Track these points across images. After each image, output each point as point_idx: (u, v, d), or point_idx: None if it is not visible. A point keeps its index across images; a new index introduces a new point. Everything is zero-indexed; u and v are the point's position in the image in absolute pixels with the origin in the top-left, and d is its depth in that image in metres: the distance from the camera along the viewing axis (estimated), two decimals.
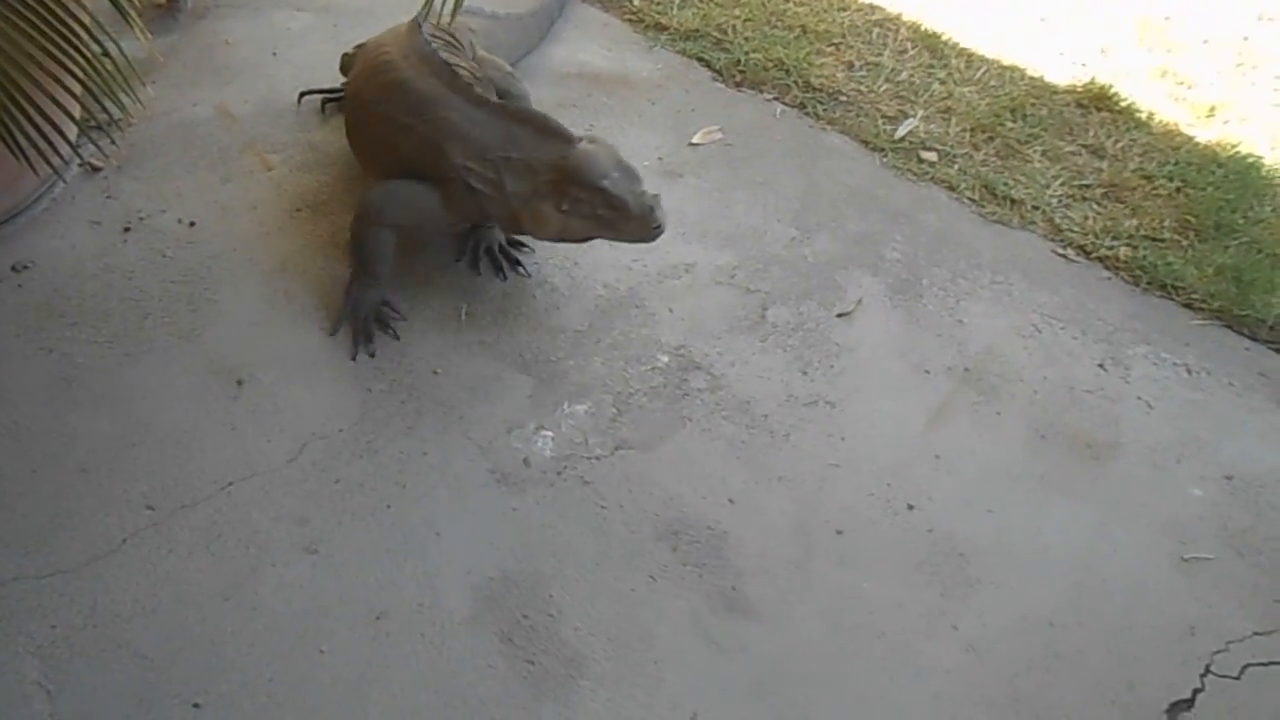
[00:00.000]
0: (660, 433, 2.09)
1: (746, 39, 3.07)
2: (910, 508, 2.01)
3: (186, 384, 2.08)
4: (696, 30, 3.11)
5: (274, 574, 1.81)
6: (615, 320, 2.28)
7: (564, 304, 2.30)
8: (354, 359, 2.14)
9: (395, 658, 1.72)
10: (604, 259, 2.40)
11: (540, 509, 1.95)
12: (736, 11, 3.18)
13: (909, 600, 1.88)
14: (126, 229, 2.36)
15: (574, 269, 2.36)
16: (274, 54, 2.90)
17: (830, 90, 2.97)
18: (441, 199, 2.15)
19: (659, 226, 2.06)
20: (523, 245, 2.39)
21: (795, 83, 2.97)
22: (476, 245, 2.37)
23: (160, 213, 2.40)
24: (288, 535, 1.86)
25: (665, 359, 2.23)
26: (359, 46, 2.57)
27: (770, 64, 3.01)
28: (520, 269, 2.37)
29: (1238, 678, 1.80)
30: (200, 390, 2.07)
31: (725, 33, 3.09)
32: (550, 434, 2.07)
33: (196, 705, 1.63)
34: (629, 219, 2.04)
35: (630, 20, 3.15)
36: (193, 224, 2.39)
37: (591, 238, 2.14)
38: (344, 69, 2.66)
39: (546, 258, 2.40)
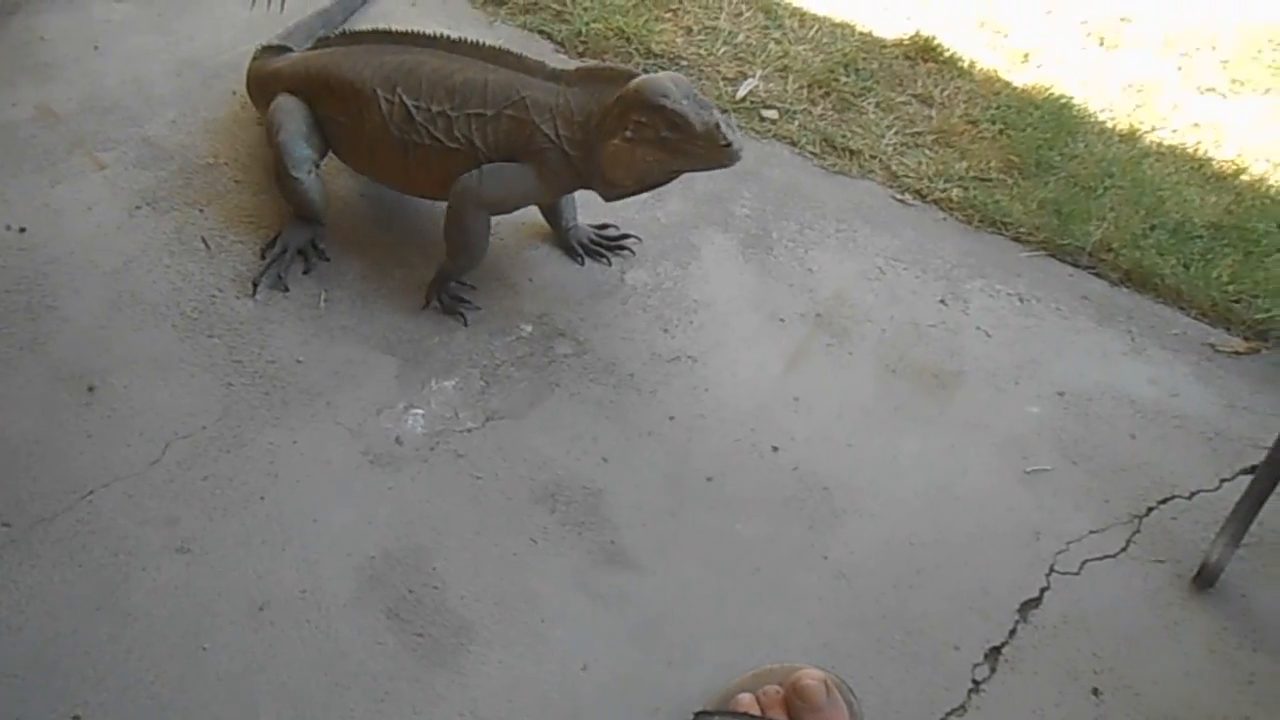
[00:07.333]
0: (530, 400, 2.12)
1: (585, 9, 3.09)
2: (775, 449, 2.10)
3: (33, 395, 2.00)
4: (535, 3, 3.11)
5: (146, 577, 1.77)
6: (476, 294, 2.29)
7: (424, 283, 2.29)
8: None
9: (281, 647, 1.71)
10: None
11: (416, 485, 1.96)
12: None
13: (780, 536, 1.97)
14: None
15: (430, 247, 2.35)
16: (95, 48, 2.78)
17: (671, 55, 3.03)
18: (538, 175, 2.16)
19: (730, 144, 1.97)
20: (610, 225, 2.48)
21: (636, 50, 3.02)
22: (569, 242, 2.42)
23: None
24: (158, 537, 1.82)
25: (529, 328, 2.26)
26: (272, 72, 2.47)
27: (611, 33, 3.05)
28: (623, 251, 2.45)
29: (1078, 573, 1.96)
30: (49, 400, 2.00)
31: (565, 4, 3.11)
32: (420, 411, 2.08)
33: (76, 717, 1.59)
34: (694, 139, 1.97)
35: None
36: (23, 230, 2.29)
37: (670, 171, 2.11)
38: (260, 83, 2.53)
39: (404, 239, 2.40)
